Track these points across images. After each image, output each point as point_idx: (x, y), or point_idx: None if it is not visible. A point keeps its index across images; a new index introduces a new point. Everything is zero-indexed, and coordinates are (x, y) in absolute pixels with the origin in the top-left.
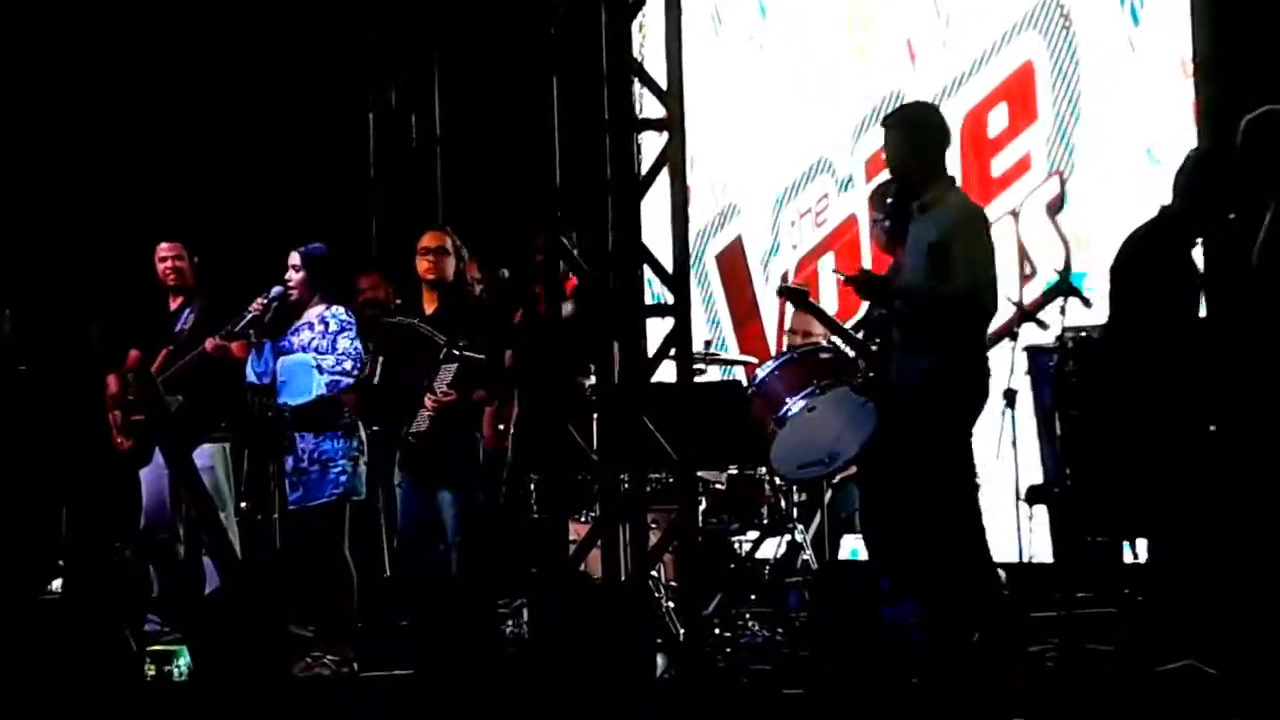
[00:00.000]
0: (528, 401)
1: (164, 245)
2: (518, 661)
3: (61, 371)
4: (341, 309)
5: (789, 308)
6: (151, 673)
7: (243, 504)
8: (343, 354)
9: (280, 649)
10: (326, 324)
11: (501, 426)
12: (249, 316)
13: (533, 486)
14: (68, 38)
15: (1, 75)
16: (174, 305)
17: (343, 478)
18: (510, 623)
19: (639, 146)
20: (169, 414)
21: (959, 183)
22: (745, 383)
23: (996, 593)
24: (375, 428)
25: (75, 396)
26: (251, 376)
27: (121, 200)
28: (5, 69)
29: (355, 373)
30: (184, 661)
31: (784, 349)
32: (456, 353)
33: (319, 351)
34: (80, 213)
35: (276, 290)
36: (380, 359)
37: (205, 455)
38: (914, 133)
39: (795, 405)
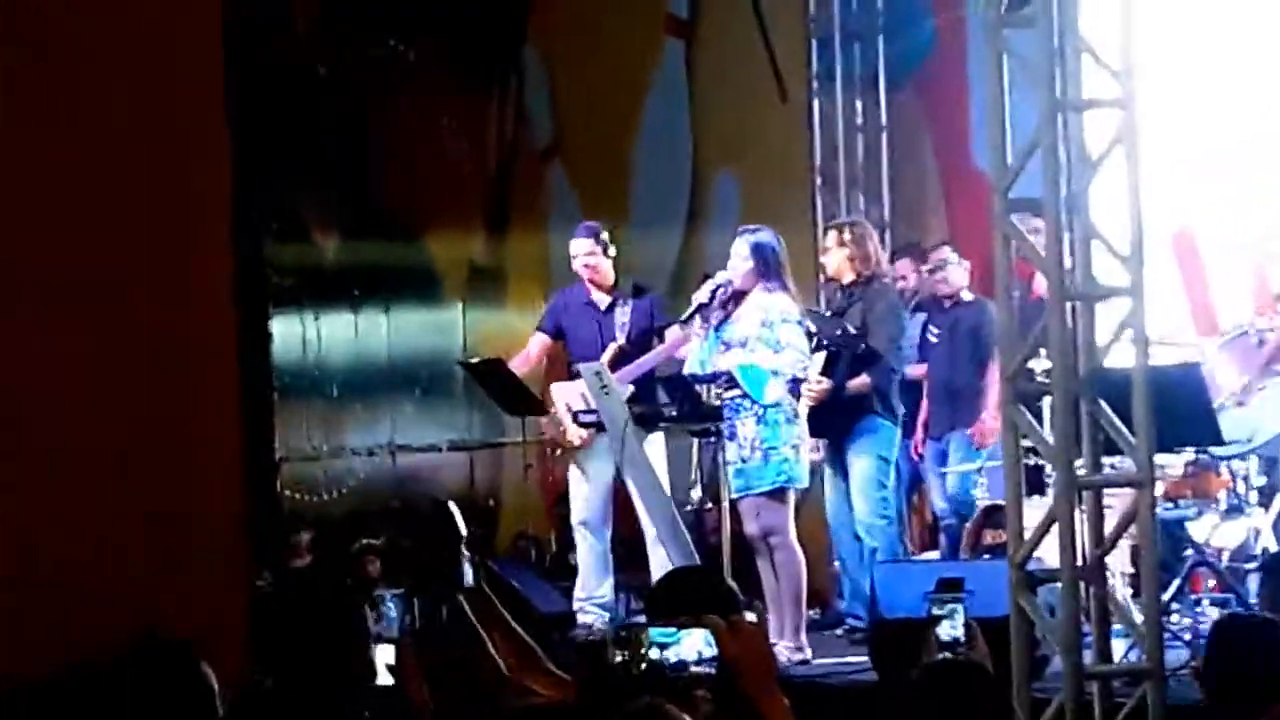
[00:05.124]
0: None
1: (576, 242)
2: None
3: None
4: (785, 298)
5: None
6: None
7: (693, 492)
8: (787, 345)
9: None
10: (767, 314)
11: None
12: (695, 305)
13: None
14: None
15: None
16: (597, 300)
17: (783, 465)
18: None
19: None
20: (621, 408)
21: None
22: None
23: None
24: None
25: None
26: (694, 366)
27: None
28: None
29: (802, 364)
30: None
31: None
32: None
33: (765, 344)
34: None
35: (722, 277)
36: None
37: (653, 444)
38: None
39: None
